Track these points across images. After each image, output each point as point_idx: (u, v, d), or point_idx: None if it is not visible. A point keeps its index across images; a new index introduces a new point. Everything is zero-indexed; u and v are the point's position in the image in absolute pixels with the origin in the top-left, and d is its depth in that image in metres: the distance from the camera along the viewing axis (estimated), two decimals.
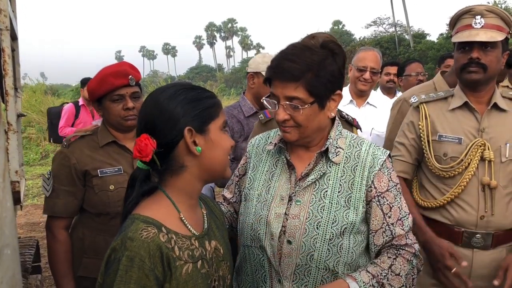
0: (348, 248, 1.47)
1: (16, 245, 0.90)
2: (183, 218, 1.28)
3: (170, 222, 1.24)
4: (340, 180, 1.51)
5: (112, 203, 2.06)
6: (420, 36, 40.63)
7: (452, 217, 2.06)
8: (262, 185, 1.60)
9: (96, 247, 2.11)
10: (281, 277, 1.49)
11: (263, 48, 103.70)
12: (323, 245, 1.44)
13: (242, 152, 2.83)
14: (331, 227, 1.45)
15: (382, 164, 1.53)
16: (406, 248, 1.51)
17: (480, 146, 2.01)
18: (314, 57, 1.44)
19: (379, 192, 1.50)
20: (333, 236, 1.45)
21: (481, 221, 2.00)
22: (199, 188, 1.34)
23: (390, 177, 1.54)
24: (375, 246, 1.52)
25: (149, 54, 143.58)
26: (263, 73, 2.82)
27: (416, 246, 1.53)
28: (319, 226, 1.45)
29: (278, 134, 1.62)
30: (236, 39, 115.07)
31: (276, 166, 1.61)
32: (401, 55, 33.39)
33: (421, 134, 2.16)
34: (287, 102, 1.45)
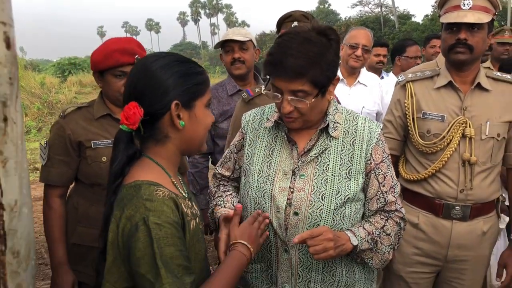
0: (350, 216, 1.58)
1: (31, 205, 0.96)
2: (175, 182, 1.34)
3: (167, 185, 1.28)
4: (341, 154, 1.59)
5: (104, 175, 2.06)
6: (405, 17, 40.70)
7: (434, 190, 2.16)
8: (262, 160, 1.65)
9: (89, 216, 2.16)
10: (288, 246, 1.57)
11: (248, 26, 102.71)
12: (328, 215, 1.54)
13: (222, 132, 2.87)
14: (335, 198, 1.55)
15: (378, 137, 1.62)
16: (396, 213, 1.65)
17: (462, 124, 2.10)
18: (315, 49, 1.44)
19: (375, 163, 1.61)
20: (337, 206, 1.54)
21: (461, 194, 2.12)
22: (180, 158, 1.39)
23: (384, 149, 1.64)
24: (369, 211, 1.64)
25: (132, 30, 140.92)
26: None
27: (403, 210, 1.67)
28: (324, 197, 1.54)
29: (275, 111, 1.67)
30: (221, 16, 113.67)
31: (275, 141, 1.66)
32: (386, 36, 33.44)
33: (407, 112, 2.24)
34: (293, 97, 1.47)
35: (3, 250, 0.83)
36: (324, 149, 1.59)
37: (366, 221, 1.63)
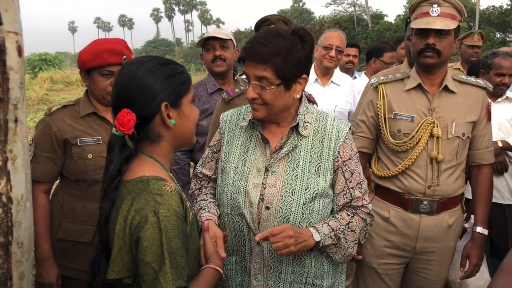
0: (318, 211, 1.68)
1: (31, 200, 1.03)
2: (172, 177, 1.44)
3: (168, 180, 1.37)
4: (310, 152, 1.70)
5: (90, 171, 2.16)
6: (378, 17, 41.39)
7: (404, 186, 2.30)
8: (238, 158, 1.75)
9: (74, 212, 2.21)
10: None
11: (223, 23, 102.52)
12: (298, 209, 1.64)
13: (202, 129, 2.95)
14: (305, 193, 1.65)
15: (346, 136, 1.73)
16: (362, 209, 1.74)
17: (430, 124, 2.24)
18: (284, 43, 1.58)
19: (343, 160, 1.71)
20: (306, 201, 1.65)
21: (428, 190, 2.25)
22: (173, 153, 1.49)
23: (352, 147, 1.75)
24: (337, 206, 1.75)
25: (104, 26, 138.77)
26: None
27: (370, 206, 1.77)
28: (294, 192, 1.65)
29: (250, 111, 1.77)
30: (195, 13, 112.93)
31: (250, 140, 1.77)
32: (360, 35, 33.95)
33: (379, 112, 2.37)
34: (256, 82, 1.60)
35: (10, 241, 0.89)
36: (294, 146, 1.69)
37: (332, 217, 1.72)
